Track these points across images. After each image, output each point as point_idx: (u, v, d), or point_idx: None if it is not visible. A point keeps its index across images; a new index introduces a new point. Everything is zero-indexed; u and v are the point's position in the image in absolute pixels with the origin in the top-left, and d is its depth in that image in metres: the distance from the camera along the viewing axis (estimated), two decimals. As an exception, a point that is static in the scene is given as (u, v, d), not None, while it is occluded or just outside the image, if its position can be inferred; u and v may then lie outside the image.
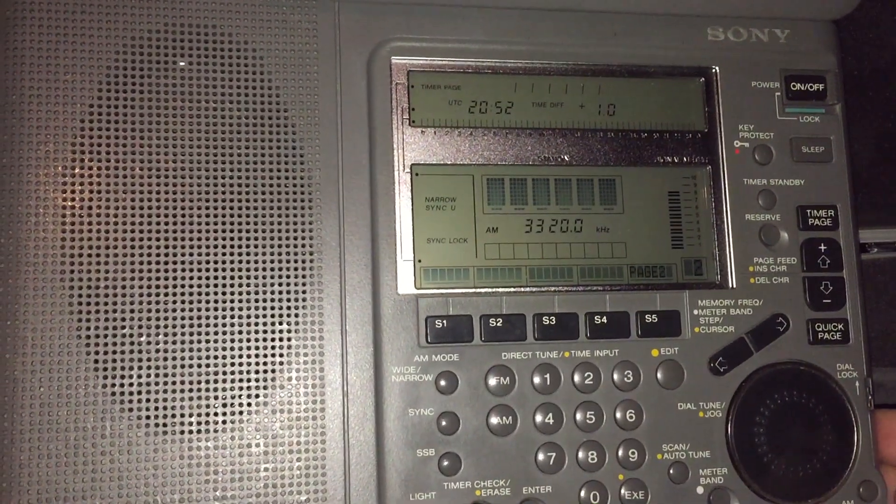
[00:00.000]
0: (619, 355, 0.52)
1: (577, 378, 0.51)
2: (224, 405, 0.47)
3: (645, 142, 0.55)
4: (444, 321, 0.50)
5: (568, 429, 0.51)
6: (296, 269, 0.49)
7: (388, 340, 0.50)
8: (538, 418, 0.50)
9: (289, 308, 0.49)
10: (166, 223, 0.48)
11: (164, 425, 0.47)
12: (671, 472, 0.51)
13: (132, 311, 0.47)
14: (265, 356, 0.48)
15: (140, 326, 0.47)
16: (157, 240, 0.48)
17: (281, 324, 0.48)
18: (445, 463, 0.49)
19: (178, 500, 0.46)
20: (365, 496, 0.48)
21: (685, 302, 0.53)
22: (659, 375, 0.52)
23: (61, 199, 0.47)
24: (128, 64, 0.49)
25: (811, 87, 0.56)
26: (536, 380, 0.51)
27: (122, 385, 0.46)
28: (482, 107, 0.53)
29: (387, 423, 0.49)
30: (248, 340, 0.48)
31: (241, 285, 0.48)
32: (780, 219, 0.55)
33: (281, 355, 0.48)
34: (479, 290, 0.51)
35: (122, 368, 0.46)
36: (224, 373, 0.47)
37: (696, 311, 0.53)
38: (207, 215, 0.49)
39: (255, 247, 0.49)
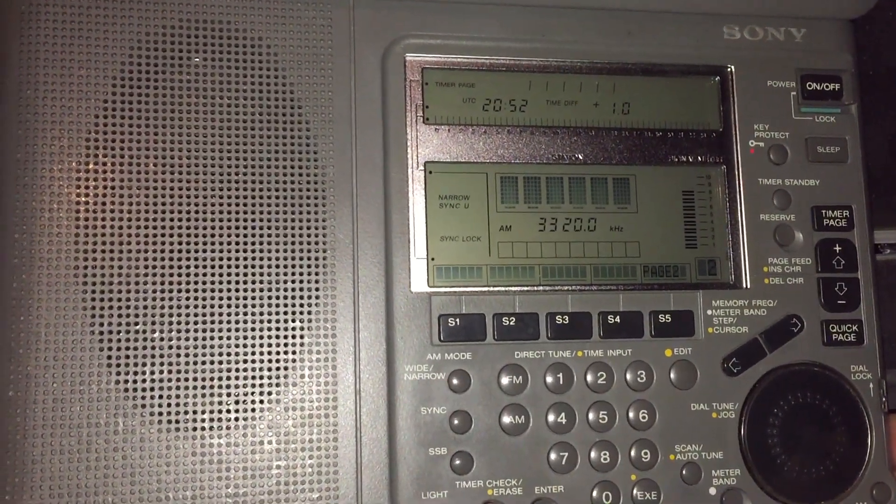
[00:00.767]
0: (633, 355, 0.52)
1: (590, 378, 0.51)
2: (237, 402, 0.47)
3: (659, 141, 0.54)
4: (457, 319, 0.50)
5: (580, 428, 0.50)
6: (309, 266, 0.49)
7: (401, 338, 0.50)
8: (551, 418, 0.50)
9: (302, 305, 0.49)
10: (180, 219, 0.48)
11: (177, 422, 0.47)
12: (684, 472, 0.51)
13: (145, 307, 0.47)
14: (278, 353, 0.48)
15: (153, 323, 0.47)
16: (171, 236, 0.48)
17: (294, 321, 0.48)
18: (457, 462, 0.49)
19: (191, 496, 0.46)
20: (377, 494, 0.48)
21: (699, 302, 0.53)
22: (672, 376, 0.52)
23: (75, 195, 0.47)
24: (142, 59, 0.49)
25: (827, 86, 0.56)
26: (549, 379, 0.51)
27: (135, 381, 0.46)
28: (496, 104, 0.53)
29: (399, 422, 0.49)
30: (261, 337, 0.48)
31: (254, 282, 0.48)
32: (794, 219, 0.54)
33: (294, 353, 0.48)
34: (492, 289, 0.51)
35: (136, 365, 0.47)
36: (237, 370, 0.47)
37: (709, 312, 0.53)
38: (221, 211, 0.49)
39: (269, 243, 0.49)
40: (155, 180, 0.48)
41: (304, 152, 0.50)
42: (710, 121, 0.55)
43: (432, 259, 0.51)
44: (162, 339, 0.47)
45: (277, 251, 0.49)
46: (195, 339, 0.47)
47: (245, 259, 0.48)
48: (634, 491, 0.50)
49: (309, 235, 0.49)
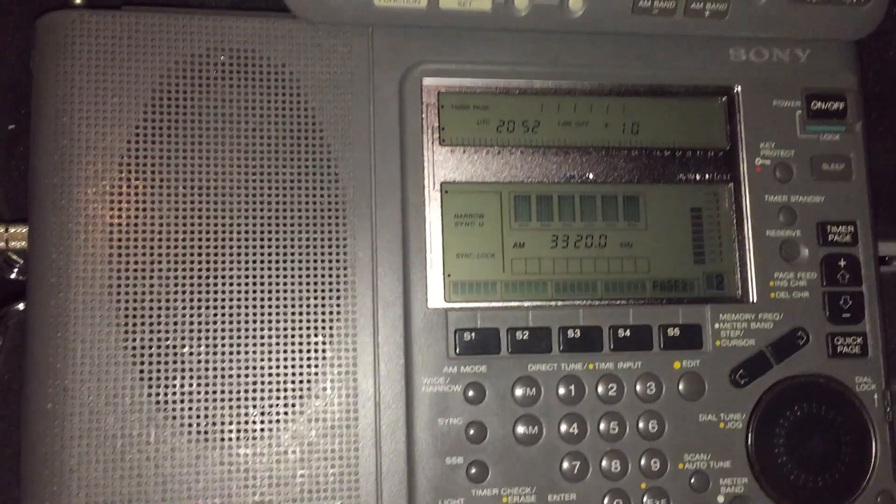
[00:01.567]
0: (642, 367, 0.53)
1: (600, 389, 0.53)
2: (262, 414, 0.49)
3: (668, 160, 0.56)
4: (473, 334, 0.52)
5: (592, 438, 0.52)
6: (330, 283, 0.51)
7: (419, 352, 0.51)
8: (563, 428, 0.52)
9: (324, 321, 0.51)
10: (208, 239, 0.50)
11: (206, 433, 0.49)
12: (692, 481, 0.52)
13: (175, 323, 0.49)
14: (301, 367, 0.50)
15: (183, 338, 0.49)
16: (199, 255, 0.50)
17: (316, 336, 0.50)
18: (473, 471, 0.51)
19: (219, 503, 0.48)
20: (396, 502, 0.50)
21: (707, 316, 0.54)
22: (681, 387, 0.53)
23: (109, 217, 0.50)
24: (171, 87, 0.51)
25: (832, 105, 0.57)
26: (561, 391, 0.52)
27: (165, 394, 0.49)
28: (510, 126, 0.55)
29: (417, 432, 0.51)
30: (285, 352, 0.50)
31: (278, 299, 0.50)
32: (800, 234, 0.56)
33: (316, 366, 0.50)
34: (506, 304, 0.53)
35: (166, 378, 0.49)
36: (262, 383, 0.49)
37: (717, 325, 0.54)
38: (247, 231, 0.51)
39: (292, 262, 0.51)
40: (184, 202, 0.50)
41: (325, 174, 0.52)
42: (718, 140, 0.57)
43: (448, 275, 0.53)
44: (191, 354, 0.49)
45: (300, 269, 0.51)
46: (223, 353, 0.49)
47: (269, 277, 0.50)
48: (644, 499, 0.52)
49: (330, 254, 0.51)
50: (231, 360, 0.49)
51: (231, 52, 0.52)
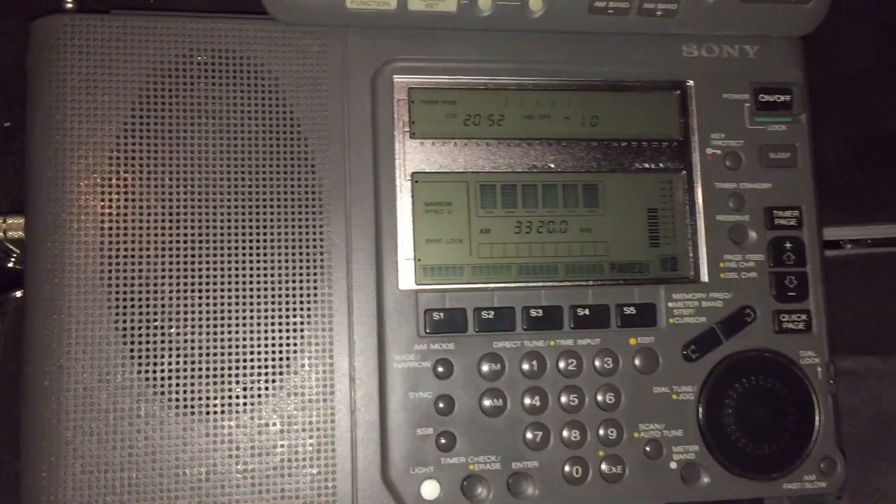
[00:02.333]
0: (601, 344, 0.56)
1: (561, 364, 0.55)
2: (244, 389, 0.52)
3: (625, 150, 0.59)
4: (442, 314, 0.55)
5: (553, 410, 0.55)
6: (307, 267, 0.54)
7: (391, 331, 0.54)
8: (526, 401, 0.55)
9: (302, 302, 0.53)
10: (193, 227, 0.53)
11: (192, 407, 0.52)
12: (647, 449, 0.55)
13: (163, 305, 0.52)
14: (281, 345, 0.53)
15: (170, 319, 0.52)
16: (185, 242, 0.53)
17: (294, 316, 0.53)
18: (442, 441, 0.54)
19: (205, 472, 0.51)
20: (370, 470, 0.53)
21: (661, 295, 0.57)
22: (636, 362, 0.56)
23: (100, 207, 0.52)
24: (157, 85, 0.54)
25: (779, 98, 0.60)
26: (525, 366, 0.55)
27: (154, 371, 0.51)
28: (476, 120, 0.58)
29: (389, 405, 0.53)
30: (266, 331, 0.53)
31: (259, 281, 0.53)
32: (749, 219, 0.59)
33: (295, 344, 0.53)
34: (472, 286, 0.56)
35: (155, 357, 0.52)
36: (244, 360, 0.52)
37: (670, 304, 0.57)
38: (229, 219, 0.53)
39: (272, 247, 0.54)
40: (171, 193, 0.53)
41: (302, 165, 0.55)
42: (672, 131, 0.60)
43: (419, 260, 0.56)
44: (178, 334, 0.52)
45: (279, 254, 0.54)
46: (207, 333, 0.52)
47: (251, 261, 0.53)
48: (602, 466, 0.55)
49: (307, 239, 0.54)
50: (215, 339, 0.52)
51: (213, 52, 0.55)
